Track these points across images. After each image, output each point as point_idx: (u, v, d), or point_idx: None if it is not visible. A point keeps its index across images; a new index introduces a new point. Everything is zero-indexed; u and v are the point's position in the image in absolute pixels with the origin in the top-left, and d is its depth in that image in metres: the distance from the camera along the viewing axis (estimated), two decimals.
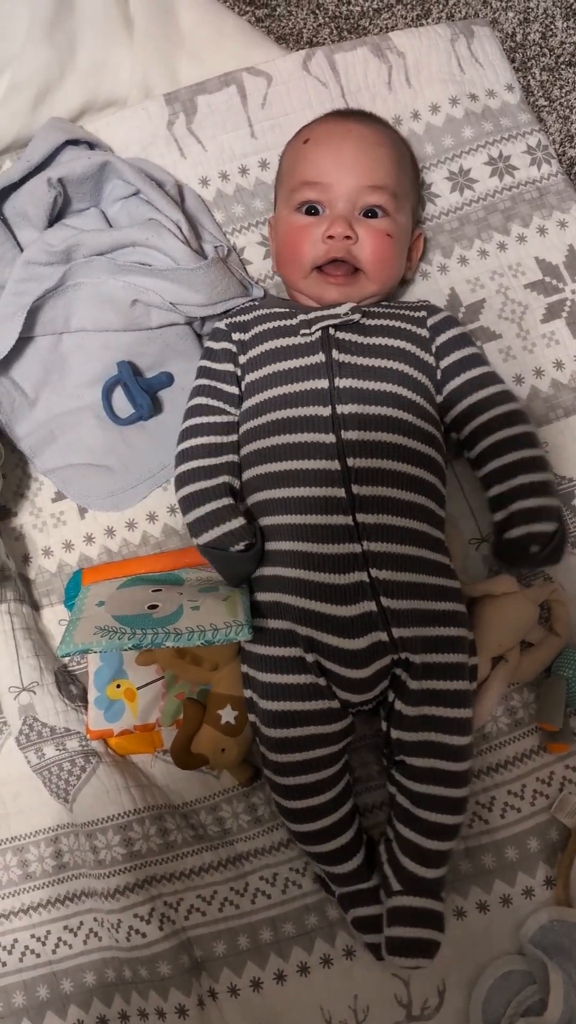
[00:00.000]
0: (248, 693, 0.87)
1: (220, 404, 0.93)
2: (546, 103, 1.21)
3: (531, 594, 0.92)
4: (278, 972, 0.92)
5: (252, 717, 0.87)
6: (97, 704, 0.95)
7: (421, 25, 1.16)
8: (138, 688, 0.95)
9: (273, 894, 0.93)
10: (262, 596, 0.87)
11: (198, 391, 0.95)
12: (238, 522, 0.87)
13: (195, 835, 0.95)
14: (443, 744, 0.82)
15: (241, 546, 0.87)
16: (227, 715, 0.88)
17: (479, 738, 0.95)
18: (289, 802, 0.85)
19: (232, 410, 0.93)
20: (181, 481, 0.91)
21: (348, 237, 0.91)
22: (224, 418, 0.93)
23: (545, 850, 0.92)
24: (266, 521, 0.87)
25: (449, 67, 1.09)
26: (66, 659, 1.00)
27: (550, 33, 1.23)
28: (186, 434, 0.93)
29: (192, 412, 0.94)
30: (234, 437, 0.92)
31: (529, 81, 1.21)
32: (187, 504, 0.89)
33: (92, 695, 0.95)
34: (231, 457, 0.92)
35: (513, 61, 1.20)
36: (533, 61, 1.23)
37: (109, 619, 0.83)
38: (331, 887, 0.89)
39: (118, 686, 0.95)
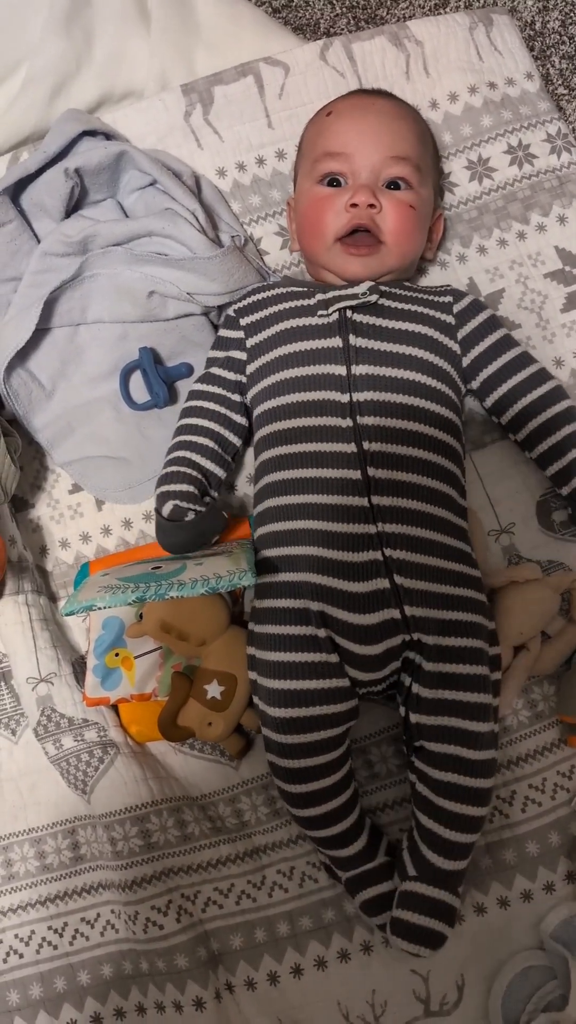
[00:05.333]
0: (253, 675, 0.87)
1: (219, 390, 0.95)
2: (566, 91, 1.19)
3: (553, 582, 0.92)
4: (295, 966, 0.91)
5: (256, 699, 0.86)
6: (95, 672, 0.95)
7: (439, 14, 1.15)
8: (136, 657, 0.94)
9: (290, 888, 0.93)
10: (276, 577, 0.86)
11: (201, 378, 0.97)
12: (181, 487, 0.89)
13: (213, 827, 0.95)
14: (462, 730, 0.81)
15: (170, 507, 0.88)
16: (213, 690, 0.88)
17: (500, 731, 0.93)
18: (293, 786, 0.84)
19: (233, 396, 0.95)
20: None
21: (372, 206, 0.90)
22: (219, 407, 0.94)
23: (566, 844, 0.91)
24: (282, 501, 0.87)
25: (468, 55, 1.09)
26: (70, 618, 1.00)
27: (570, 21, 1.22)
28: (182, 414, 0.96)
29: (191, 396, 0.96)
30: (228, 422, 0.94)
31: (548, 69, 1.19)
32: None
33: (91, 663, 0.95)
34: (216, 440, 0.93)
35: (532, 49, 1.19)
36: (552, 49, 1.22)
37: (113, 580, 0.83)
38: (336, 873, 0.88)
39: (116, 655, 0.95)
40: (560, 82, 1.20)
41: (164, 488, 0.90)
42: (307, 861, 0.93)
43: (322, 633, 0.83)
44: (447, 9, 1.19)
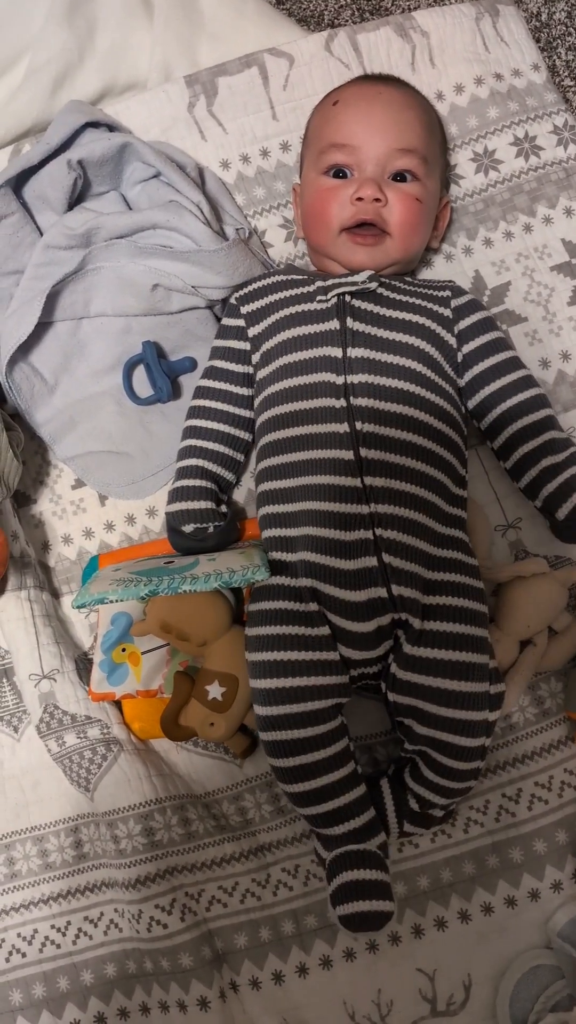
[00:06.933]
0: (246, 654, 0.85)
1: (226, 386, 0.94)
2: (572, 83, 1.18)
3: (561, 576, 0.91)
4: (300, 965, 0.90)
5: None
6: (101, 667, 0.94)
7: (445, 4, 1.14)
8: (143, 653, 0.94)
9: (295, 886, 0.92)
10: (272, 556, 0.86)
11: (207, 372, 0.96)
12: (199, 504, 0.91)
13: (217, 825, 0.94)
14: (445, 691, 0.80)
15: (190, 528, 0.90)
16: (214, 691, 0.87)
17: (505, 728, 0.93)
18: (279, 760, 0.82)
19: (239, 390, 0.94)
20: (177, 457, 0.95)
21: (377, 200, 0.90)
22: (227, 406, 0.94)
23: (574, 842, 0.90)
24: (279, 484, 0.87)
25: (474, 46, 1.08)
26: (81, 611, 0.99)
27: None
28: (190, 413, 0.96)
29: (198, 393, 0.96)
30: (236, 420, 0.95)
31: (555, 61, 1.18)
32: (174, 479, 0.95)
33: (97, 658, 0.95)
34: (226, 442, 0.94)
35: (538, 41, 1.18)
36: (559, 41, 1.21)
37: (125, 573, 0.83)
38: (321, 854, 0.86)
39: (123, 650, 0.94)
40: (567, 74, 1.19)
41: (182, 507, 0.91)
42: (311, 859, 0.92)
43: (312, 607, 0.82)
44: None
